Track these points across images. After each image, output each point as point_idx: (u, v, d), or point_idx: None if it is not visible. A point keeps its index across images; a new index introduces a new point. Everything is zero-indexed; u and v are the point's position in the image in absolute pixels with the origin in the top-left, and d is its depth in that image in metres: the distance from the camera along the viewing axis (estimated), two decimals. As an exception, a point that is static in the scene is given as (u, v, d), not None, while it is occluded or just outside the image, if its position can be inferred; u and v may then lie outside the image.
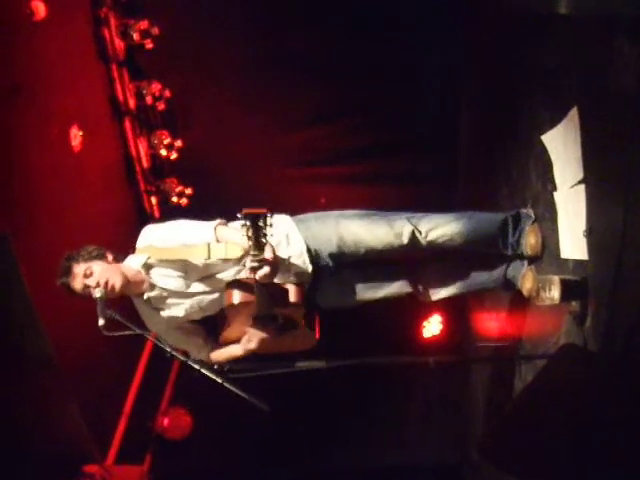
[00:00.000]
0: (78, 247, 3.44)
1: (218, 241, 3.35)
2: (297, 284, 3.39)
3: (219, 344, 3.56)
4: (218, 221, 3.43)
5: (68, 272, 3.36)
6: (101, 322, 3.05)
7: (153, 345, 4.58)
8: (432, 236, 3.56)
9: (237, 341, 3.49)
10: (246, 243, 2.89)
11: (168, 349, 3.09)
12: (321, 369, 3.16)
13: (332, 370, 3.11)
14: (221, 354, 3.55)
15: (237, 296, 3.29)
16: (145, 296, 3.50)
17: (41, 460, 4.11)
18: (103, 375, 4.84)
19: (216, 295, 3.47)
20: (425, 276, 3.79)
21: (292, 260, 3.49)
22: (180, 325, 3.59)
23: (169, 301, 3.52)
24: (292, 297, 3.34)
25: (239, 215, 2.78)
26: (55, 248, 3.51)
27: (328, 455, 5.98)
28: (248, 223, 2.79)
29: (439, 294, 3.82)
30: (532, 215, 3.65)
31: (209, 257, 3.32)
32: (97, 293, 3.19)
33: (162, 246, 3.44)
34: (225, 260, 3.37)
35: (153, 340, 3.21)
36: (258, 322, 3.37)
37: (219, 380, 2.85)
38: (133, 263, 3.48)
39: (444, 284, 3.79)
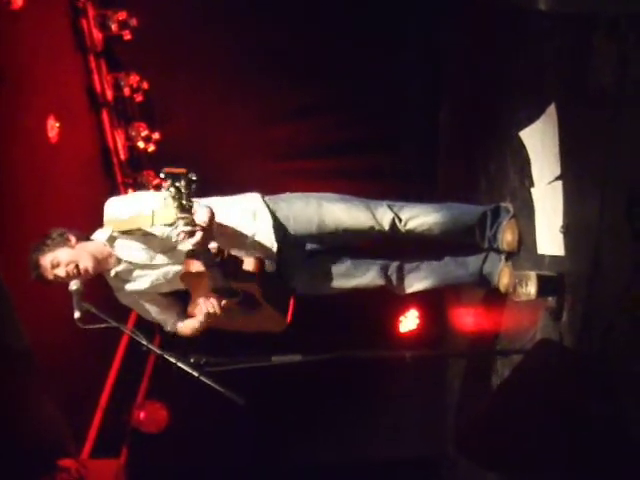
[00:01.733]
0: (40, 236, 3.42)
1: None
2: (255, 257, 3.37)
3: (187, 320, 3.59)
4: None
5: (37, 265, 3.35)
6: (77, 315, 3.04)
7: (129, 338, 4.56)
8: (411, 225, 3.58)
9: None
10: (171, 205, 2.82)
11: (144, 342, 3.07)
12: (297, 363, 3.16)
13: (308, 364, 3.11)
14: (186, 326, 3.58)
15: (191, 265, 3.28)
16: (113, 272, 3.50)
17: (16, 454, 4.08)
18: (79, 368, 4.80)
19: (180, 267, 3.46)
20: (399, 268, 3.79)
21: (257, 237, 3.49)
22: (152, 299, 3.60)
23: (135, 274, 3.53)
24: (247, 267, 3.32)
25: (161, 175, 2.71)
26: (31, 240, 3.48)
27: (304, 450, 5.98)
28: (169, 182, 2.71)
29: (413, 287, 3.82)
30: (511, 210, 3.67)
31: (152, 224, 3.26)
32: (72, 286, 3.17)
33: (121, 217, 3.40)
34: (168, 225, 3.28)
35: (129, 333, 3.19)
36: (217, 294, 3.36)
37: (195, 374, 2.84)
38: (100, 236, 3.48)
39: (418, 277, 3.81)
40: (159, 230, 3.35)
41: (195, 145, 5.70)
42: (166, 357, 2.97)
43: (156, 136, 5.76)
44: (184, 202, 2.78)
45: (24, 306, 4.01)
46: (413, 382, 5.77)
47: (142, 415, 5.48)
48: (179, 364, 2.91)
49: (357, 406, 5.99)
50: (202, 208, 3.07)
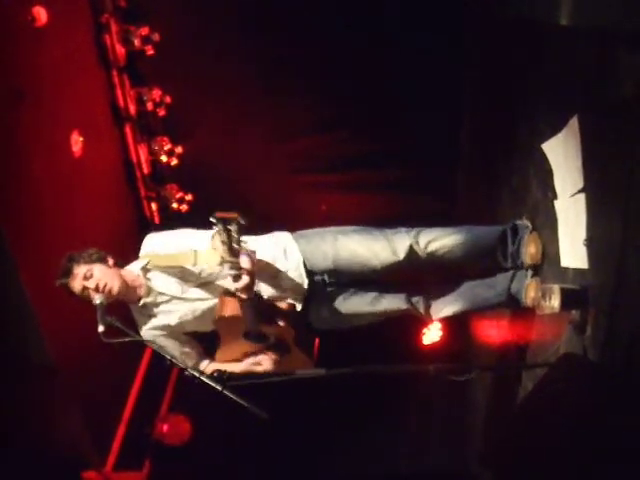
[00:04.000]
0: (79, 250, 3.46)
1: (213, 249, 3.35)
2: (288, 304, 3.39)
3: (214, 362, 3.58)
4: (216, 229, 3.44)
5: (68, 273, 3.37)
6: (101, 329, 3.04)
7: (152, 352, 4.59)
8: (432, 248, 3.52)
9: (231, 362, 3.49)
10: (220, 249, 2.86)
11: (168, 356, 3.08)
12: (320, 377, 3.15)
13: (331, 378, 3.11)
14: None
15: (227, 308, 3.29)
16: (141, 302, 3.51)
17: (40, 466, 4.11)
18: (103, 381, 4.83)
19: (211, 303, 3.47)
20: (425, 294, 3.72)
21: (289, 274, 3.48)
22: (173, 334, 3.59)
23: (164, 307, 3.53)
24: (282, 317, 3.34)
25: (211, 219, 2.76)
26: (55, 254, 3.51)
27: (326, 464, 5.97)
28: (220, 227, 2.75)
29: (441, 313, 3.75)
30: (529, 225, 3.64)
31: (195, 263, 3.32)
32: (97, 299, 3.19)
33: (160, 253, 3.45)
34: (211, 266, 3.35)
35: (152, 347, 3.21)
36: (247, 339, 3.37)
37: (218, 388, 2.84)
38: (133, 267, 3.51)
39: (446, 302, 3.73)
40: (199, 269, 3.40)
41: (216, 158, 5.75)
42: (189, 371, 2.98)
43: (179, 150, 5.81)
44: (234, 246, 2.82)
45: (48, 321, 4.05)
46: (436, 396, 5.75)
47: (165, 428, 5.50)
48: (202, 378, 2.91)
49: (380, 420, 5.98)
50: (244, 254, 3.08)
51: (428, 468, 6.07)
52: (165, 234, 3.55)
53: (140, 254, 3.51)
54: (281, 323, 3.36)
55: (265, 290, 3.46)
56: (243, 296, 3.11)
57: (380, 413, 5.94)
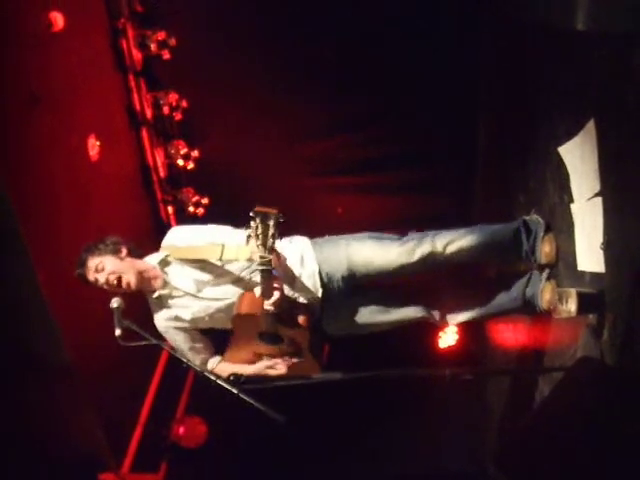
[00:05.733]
0: (96, 238, 3.51)
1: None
2: (305, 308, 3.39)
3: (223, 361, 3.59)
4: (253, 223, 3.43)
5: (84, 264, 3.42)
6: (118, 332, 3.06)
7: (169, 355, 4.60)
8: (450, 250, 3.48)
9: (241, 362, 3.50)
10: (253, 242, 2.85)
11: (184, 359, 3.10)
12: (336, 380, 3.15)
13: (347, 382, 3.11)
14: (224, 371, 3.48)
15: (245, 306, 3.30)
16: (156, 293, 3.53)
17: (57, 468, 4.13)
18: (119, 383, 4.86)
19: (225, 303, 3.48)
20: (441, 301, 3.71)
21: (303, 280, 3.48)
22: (186, 329, 3.60)
23: (179, 301, 3.54)
24: (299, 320, 3.34)
25: (251, 213, 2.76)
26: (72, 256, 3.54)
27: (343, 466, 5.96)
28: (257, 221, 2.76)
29: (457, 318, 3.73)
30: (540, 220, 3.63)
31: (221, 257, 3.32)
32: (114, 304, 3.21)
33: (183, 245, 3.46)
34: (235, 260, 3.37)
35: (169, 350, 3.23)
36: (262, 340, 3.37)
37: (235, 391, 2.85)
38: (151, 259, 3.53)
39: (462, 308, 3.72)
40: (223, 263, 3.41)
41: (232, 162, 5.77)
42: (206, 374, 2.99)
43: (195, 154, 5.83)
44: (269, 241, 2.81)
45: (66, 322, 4.07)
46: (452, 399, 5.74)
47: (181, 430, 5.52)
48: (218, 381, 2.92)
49: (396, 422, 5.97)
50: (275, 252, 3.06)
51: (444, 470, 6.05)
52: (190, 227, 3.57)
53: (162, 245, 3.54)
54: (300, 325, 3.35)
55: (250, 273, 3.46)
56: (272, 310, 3.11)
57: (396, 415, 5.93)
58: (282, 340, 3.39)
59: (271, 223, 2.76)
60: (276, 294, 3.06)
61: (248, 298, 3.33)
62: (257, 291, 3.09)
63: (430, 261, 3.48)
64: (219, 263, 3.41)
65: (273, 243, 2.83)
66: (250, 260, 3.28)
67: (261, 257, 2.88)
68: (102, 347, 3.99)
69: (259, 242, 2.81)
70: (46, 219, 4.21)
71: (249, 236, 2.84)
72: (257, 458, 5.76)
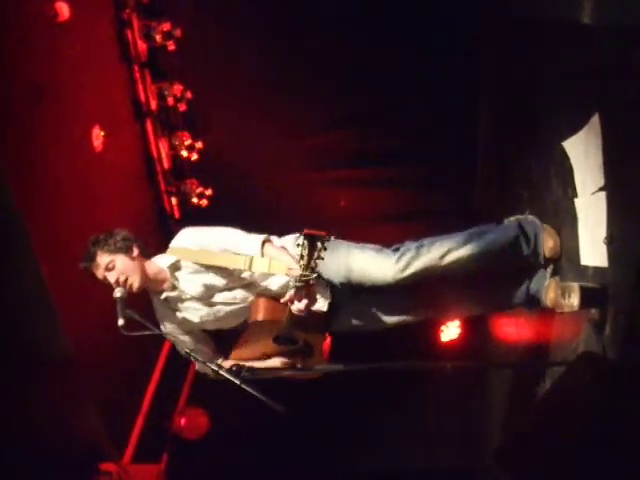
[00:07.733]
0: (107, 231, 3.47)
1: (263, 256, 3.36)
2: (322, 311, 3.40)
3: (228, 359, 3.58)
4: (265, 236, 3.44)
5: (92, 259, 3.40)
6: (120, 322, 3.07)
7: (171, 345, 4.60)
8: (447, 260, 3.41)
9: (247, 360, 3.48)
10: (298, 263, 2.86)
11: (185, 350, 3.10)
12: (338, 372, 3.16)
13: (349, 374, 3.11)
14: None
15: (262, 313, 3.32)
16: (163, 295, 3.51)
17: (58, 458, 4.14)
18: (121, 374, 4.87)
19: (234, 307, 3.48)
20: (443, 298, 3.67)
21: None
22: (192, 330, 3.60)
23: (186, 304, 3.54)
24: (317, 323, 3.35)
25: (299, 235, 2.79)
26: (75, 248, 3.54)
27: (343, 461, 5.98)
28: (305, 243, 2.78)
29: (460, 314, 3.73)
30: (536, 220, 3.62)
31: (250, 269, 3.33)
32: (117, 293, 3.21)
33: (200, 249, 3.44)
34: (265, 274, 3.39)
35: (171, 340, 3.23)
36: (276, 342, 3.38)
37: (236, 381, 2.86)
38: (161, 261, 3.50)
39: (465, 304, 3.72)
40: (249, 274, 3.43)
41: (236, 154, 5.76)
42: (208, 365, 3.00)
43: (199, 145, 5.82)
44: (313, 263, 2.83)
45: (67, 313, 4.06)
46: (453, 392, 5.75)
47: (183, 421, 5.53)
48: (220, 372, 2.93)
49: (396, 415, 5.98)
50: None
51: (445, 465, 6.06)
52: (206, 231, 3.53)
53: (171, 246, 3.52)
54: (316, 327, 3.37)
55: (275, 284, 3.47)
56: (299, 314, 3.11)
57: (397, 410, 5.94)
58: (297, 342, 3.40)
59: (318, 246, 2.79)
60: (306, 301, 3.05)
61: (266, 304, 3.36)
62: (287, 296, 3.08)
63: (428, 273, 3.43)
64: (246, 274, 3.42)
65: (317, 265, 2.85)
66: (286, 275, 3.30)
67: (302, 275, 2.90)
68: (104, 337, 4.00)
69: (303, 262, 2.83)
70: (49, 210, 4.21)
71: (301, 256, 2.84)
72: (258, 449, 5.76)
